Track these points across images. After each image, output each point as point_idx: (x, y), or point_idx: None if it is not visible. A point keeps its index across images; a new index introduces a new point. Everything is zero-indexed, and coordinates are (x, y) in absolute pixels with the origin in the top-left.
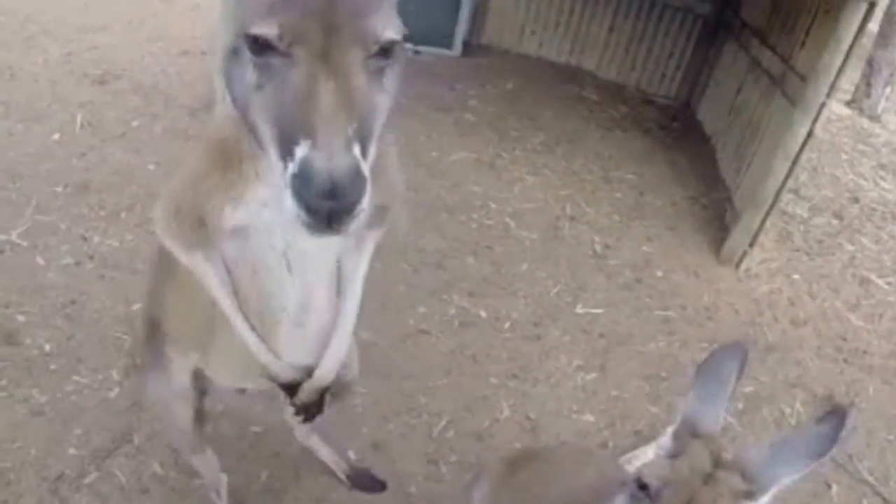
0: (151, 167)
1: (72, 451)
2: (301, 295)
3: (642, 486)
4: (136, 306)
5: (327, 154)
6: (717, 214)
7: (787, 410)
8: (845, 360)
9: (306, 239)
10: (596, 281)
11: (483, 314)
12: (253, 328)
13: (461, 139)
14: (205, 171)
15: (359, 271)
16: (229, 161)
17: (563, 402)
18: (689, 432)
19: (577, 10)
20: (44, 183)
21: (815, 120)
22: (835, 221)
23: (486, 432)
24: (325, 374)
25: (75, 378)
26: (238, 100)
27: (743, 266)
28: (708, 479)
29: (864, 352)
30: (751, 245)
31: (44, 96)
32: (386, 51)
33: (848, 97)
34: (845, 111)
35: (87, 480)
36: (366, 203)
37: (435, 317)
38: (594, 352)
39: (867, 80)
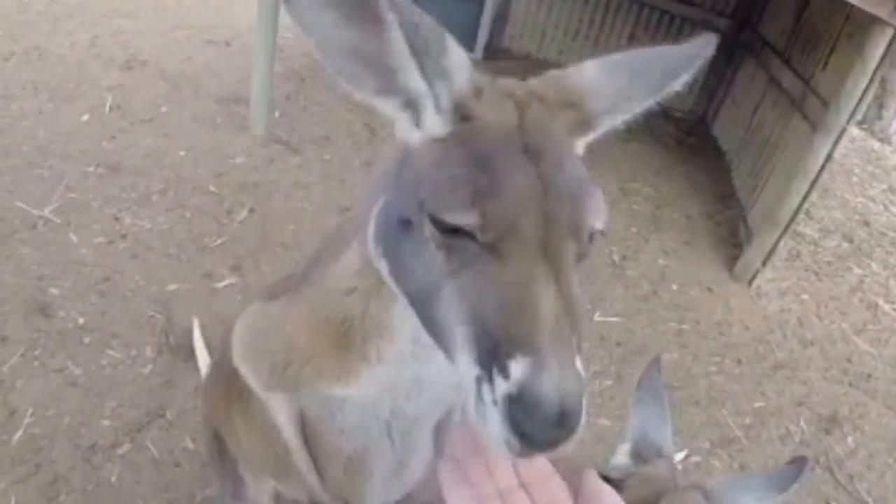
0: (182, 153)
1: (105, 422)
2: (402, 456)
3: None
4: (170, 286)
5: (555, 377)
6: (731, 231)
7: (793, 428)
8: (850, 383)
9: (417, 407)
10: (614, 291)
11: None
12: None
13: None
14: (311, 348)
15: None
16: (349, 343)
17: None
18: (651, 451)
19: (597, 19)
20: (75, 162)
21: (836, 144)
22: (845, 244)
23: None
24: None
25: (109, 353)
26: (407, 281)
27: (755, 284)
28: (668, 490)
29: (869, 376)
30: (763, 264)
31: (72, 78)
32: (593, 238)
33: (859, 117)
34: (856, 132)
35: (119, 451)
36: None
37: None
38: (611, 359)
39: (879, 102)
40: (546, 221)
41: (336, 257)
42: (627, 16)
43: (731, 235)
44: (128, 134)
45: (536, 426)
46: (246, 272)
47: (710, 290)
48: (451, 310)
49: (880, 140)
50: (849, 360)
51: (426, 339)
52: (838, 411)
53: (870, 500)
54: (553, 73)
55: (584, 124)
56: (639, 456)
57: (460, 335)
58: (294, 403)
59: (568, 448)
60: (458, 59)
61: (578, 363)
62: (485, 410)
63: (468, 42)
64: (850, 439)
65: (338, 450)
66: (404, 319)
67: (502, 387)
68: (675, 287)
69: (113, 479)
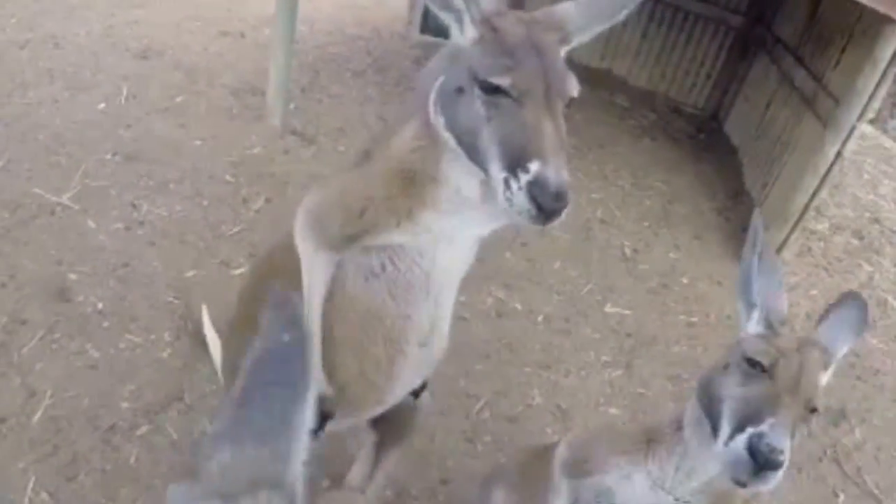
0: (198, 143)
1: (124, 404)
2: (433, 315)
3: (752, 364)
4: (188, 273)
5: (557, 171)
6: (741, 227)
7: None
8: (858, 377)
9: (450, 260)
10: (625, 283)
11: (518, 306)
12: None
13: None
14: (386, 191)
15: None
16: (410, 187)
17: (591, 394)
18: (775, 320)
19: None
20: (92, 150)
21: (846, 141)
22: (854, 241)
23: (518, 416)
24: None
25: (128, 337)
26: (459, 126)
27: None
28: (801, 350)
29: (878, 371)
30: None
31: (88, 66)
32: (569, 103)
33: (872, 115)
34: (869, 130)
35: (138, 432)
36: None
37: (475, 306)
38: (621, 350)
39: (893, 101)
40: (547, 88)
41: (398, 131)
42: (642, 11)
43: (741, 231)
44: (144, 123)
45: (548, 199)
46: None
47: (719, 283)
48: (489, 139)
49: (893, 138)
50: (857, 355)
51: (466, 189)
52: (846, 405)
53: (877, 491)
54: (545, 8)
55: (565, 39)
56: (768, 323)
57: (494, 154)
58: (330, 271)
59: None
60: None
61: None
62: (511, 196)
63: None
64: (857, 432)
65: (380, 319)
66: (451, 167)
67: (524, 178)
68: (685, 280)
69: (132, 460)
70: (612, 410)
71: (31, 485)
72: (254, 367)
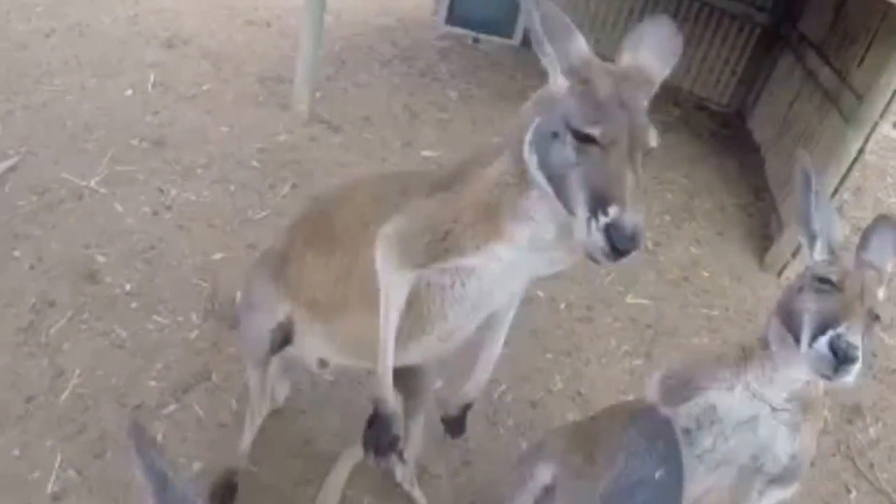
0: (224, 129)
1: (152, 383)
2: (465, 325)
3: (823, 281)
4: (215, 256)
5: (633, 216)
6: (762, 223)
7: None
8: (874, 376)
9: (505, 289)
10: (646, 275)
11: (541, 294)
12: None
13: None
14: (470, 219)
15: (508, 322)
16: (492, 218)
17: (611, 382)
18: (835, 246)
19: (635, 9)
20: (119, 136)
21: (868, 139)
22: None
23: (540, 401)
24: (470, 392)
25: (155, 318)
26: (551, 167)
27: (784, 275)
28: (860, 268)
29: (894, 370)
30: (794, 256)
31: (114, 54)
32: (649, 153)
33: (894, 117)
34: (893, 133)
35: (165, 411)
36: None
37: None
38: (642, 340)
39: None
40: (631, 140)
41: (486, 165)
42: (668, 6)
43: (762, 227)
44: (171, 110)
45: (623, 240)
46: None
47: (739, 279)
48: (577, 182)
49: None
50: (874, 355)
51: (543, 229)
52: (862, 403)
53: (889, 489)
54: (635, 65)
55: (649, 93)
56: (830, 249)
57: (580, 196)
58: (408, 288)
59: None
60: (575, 43)
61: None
62: (590, 234)
63: (507, 30)
64: (872, 430)
65: (421, 302)
66: (534, 206)
67: (603, 220)
68: (705, 274)
69: (159, 437)
70: (633, 398)
71: (58, 462)
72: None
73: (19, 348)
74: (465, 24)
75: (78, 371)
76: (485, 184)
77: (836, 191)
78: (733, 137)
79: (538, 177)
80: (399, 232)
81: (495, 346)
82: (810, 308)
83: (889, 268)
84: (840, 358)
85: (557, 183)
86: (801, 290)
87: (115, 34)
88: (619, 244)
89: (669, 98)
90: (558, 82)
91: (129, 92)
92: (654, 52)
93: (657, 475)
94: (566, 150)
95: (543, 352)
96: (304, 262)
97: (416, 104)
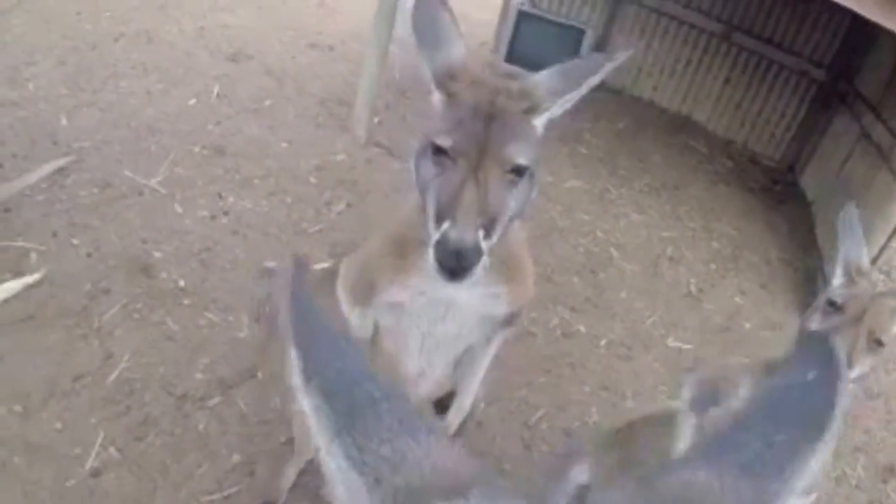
0: (284, 145)
1: (198, 375)
2: (423, 369)
3: (832, 304)
4: (269, 264)
5: (457, 234)
6: (808, 277)
7: (849, 471)
8: None
9: (446, 329)
10: (689, 319)
11: (582, 329)
12: None
13: (574, 169)
14: (383, 252)
15: (485, 360)
16: (404, 250)
17: None
18: (854, 271)
19: (693, 59)
20: (181, 141)
21: None
22: None
23: (575, 431)
24: (451, 424)
25: (206, 315)
26: (420, 182)
27: None
28: (875, 296)
29: None
30: None
31: (180, 64)
32: (518, 171)
33: None
34: None
35: (210, 402)
36: (479, 268)
37: (542, 324)
38: (679, 382)
39: None
40: (481, 153)
41: (403, 204)
42: (725, 58)
43: (807, 282)
44: (233, 121)
45: (444, 258)
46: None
47: (781, 331)
48: (430, 196)
49: None
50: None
51: None
52: (895, 463)
53: None
54: (520, 79)
55: (533, 109)
56: (847, 273)
57: (431, 210)
58: (367, 321)
59: (467, 279)
60: (447, 51)
61: (480, 233)
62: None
63: None
64: None
65: (382, 349)
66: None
67: (435, 236)
68: (747, 325)
69: (201, 427)
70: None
71: (100, 440)
72: (766, 395)
73: (71, 329)
74: (526, 62)
75: (127, 356)
76: (397, 217)
77: (882, 249)
78: (784, 193)
79: (414, 195)
80: (344, 272)
81: (469, 384)
82: (815, 328)
83: None
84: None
85: (423, 200)
86: (816, 310)
87: (181, 45)
88: (443, 261)
89: (723, 150)
90: (433, 97)
91: (193, 101)
92: (561, 71)
93: (809, 377)
94: (428, 164)
95: (581, 384)
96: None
97: None
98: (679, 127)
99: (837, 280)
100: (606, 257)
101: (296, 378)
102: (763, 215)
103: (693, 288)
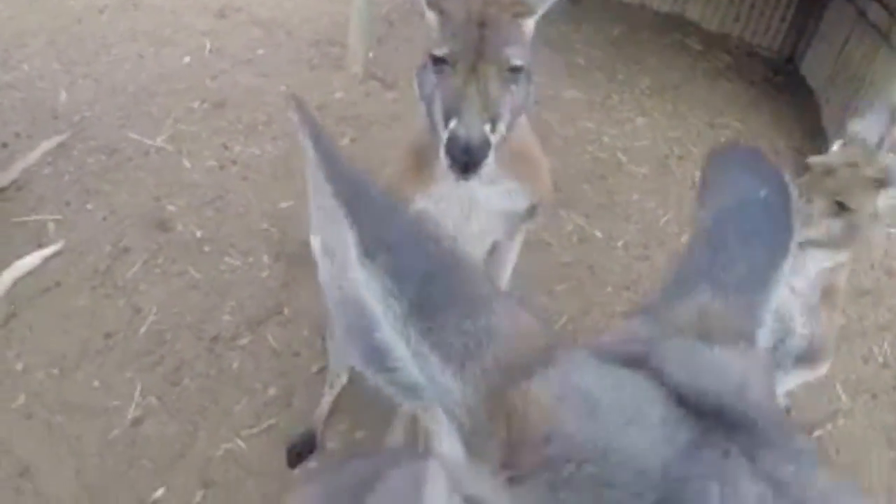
0: (282, 88)
1: (226, 317)
2: None
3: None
4: (282, 205)
5: (468, 128)
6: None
7: (876, 350)
8: None
9: (471, 229)
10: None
11: (598, 234)
12: None
13: (571, 79)
14: (403, 170)
15: (510, 256)
16: (420, 164)
17: None
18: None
19: None
20: (180, 99)
21: None
22: None
23: (603, 330)
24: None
25: (227, 260)
26: (424, 97)
27: None
28: (851, 165)
29: None
30: None
31: (168, 25)
32: (514, 70)
33: None
34: None
35: (240, 342)
36: (490, 160)
37: (556, 231)
38: None
39: None
40: (478, 57)
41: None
42: None
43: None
44: (228, 74)
45: (458, 152)
46: None
47: None
48: (434, 104)
49: None
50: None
51: None
52: None
53: None
54: None
55: (523, 12)
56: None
57: (438, 116)
58: None
59: (478, 173)
60: None
61: (486, 126)
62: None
63: None
64: None
65: None
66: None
67: (444, 135)
68: None
69: (234, 365)
70: None
71: (138, 391)
72: (726, 216)
73: (97, 290)
74: None
75: (154, 309)
76: (414, 132)
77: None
78: (786, 83)
79: (422, 109)
80: None
81: (500, 278)
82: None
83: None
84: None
85: (429, 110)
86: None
87: (167, 6)
88: (455, 156)
89: (719, 46)
90: (426, 17)
91: (187, 59)
92: None
93: (762, 194)
94: (429, 76)
95: (603, 286)
96: None
97: None
98: (672, 27)
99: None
100: (615, 162)
101: (354, 255)
102: (767, 106)
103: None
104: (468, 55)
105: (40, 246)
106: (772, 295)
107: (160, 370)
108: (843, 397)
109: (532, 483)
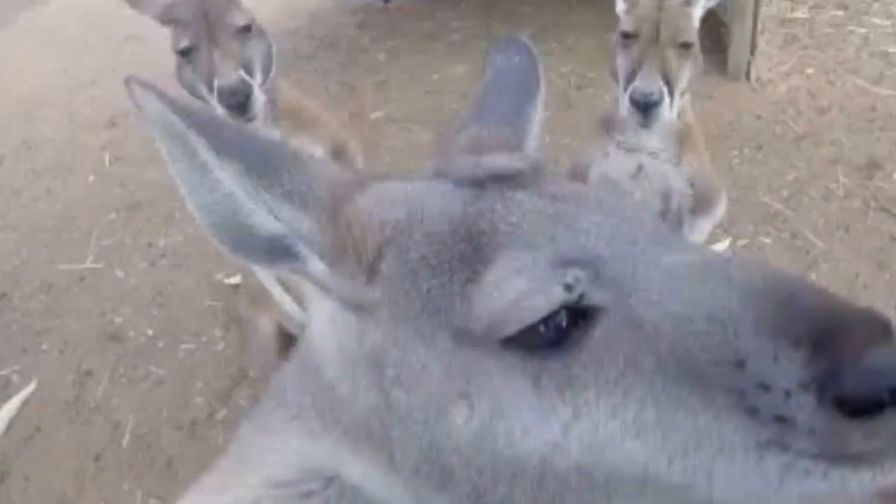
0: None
1: (198, 399)
2: None
3: (625, 35)
4: (217, 276)
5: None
6: (716, 39)
7: (833, 185)
8: (880, 128)
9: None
10: None
11: None
12: None
13: (455, 57)
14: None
15: None
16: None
17: None
18: None
19: None
20: (97, 216)
21: None
22: (839, 13)
23: None
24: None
25: (183, 347)
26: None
27: (753, 76)
28: (661, 7)
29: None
30: (752, 53)
31: (66, 152)
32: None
33: None
34: None
35: (218, 417)
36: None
37: None
38: None
39: None
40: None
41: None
42: None
43: (715, 44)
44: (133, 177)
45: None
46: None
47: (710, 98)
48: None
49: None
50: (873, 109)
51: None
52: (874, 155)
53: None
54: None
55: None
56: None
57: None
58: None
59: None
60: None
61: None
62: None
63: None
64: (895, 175)
65: None
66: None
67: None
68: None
69: (220, 440)
70: None
71: (139, 499)
72: (491, 80)
73: (74, 420)
74: None
75: (131, 417)
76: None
77: None
78: None
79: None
80: None
81: None
82: (620, 63)
83: None
84: (641, 108)
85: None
86: (613, 52)
87: (58, 136)
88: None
89: None
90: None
91: (92, 177)
92: None
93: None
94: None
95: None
96: None
97: (352, 78)
98: None
99: (620, 7)
100: None
101: (211, 160)
102: None
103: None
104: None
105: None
106: (531, 116)
107: (154, 471)
108: (818, 242)
109: (385, 261)
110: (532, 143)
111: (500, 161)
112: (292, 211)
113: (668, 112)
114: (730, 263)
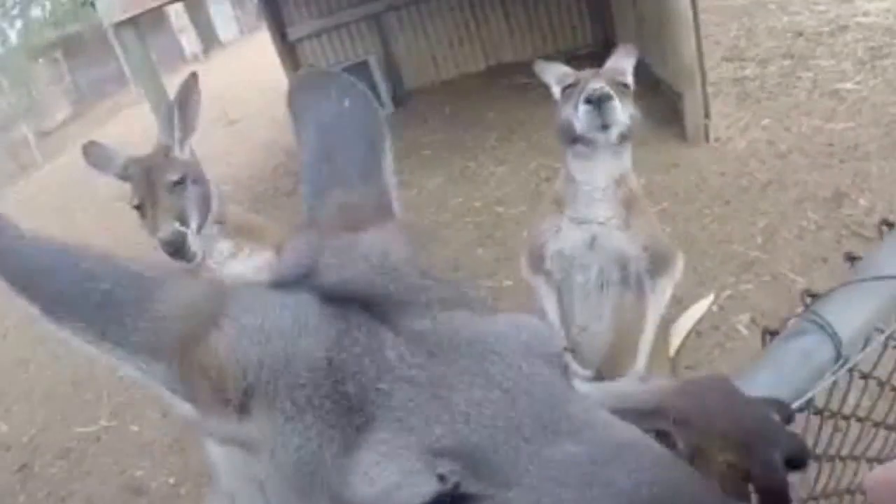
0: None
1: None
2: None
3: (565, 88)
4: None
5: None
6: (673, 108)
7: (804, 223)
8: (840, 161)
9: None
10: None
11: (509, 283)
12: None
13: (427, 170)
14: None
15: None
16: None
17: None
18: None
19: (471, 22)
20: (105, 375)
21: None
22: (786, 62)
23: None
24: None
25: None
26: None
27: (712, 137)
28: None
29: (856, 146)
30: (707, 116)
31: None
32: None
33: None
34: None
35: None
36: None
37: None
38: None
39: None
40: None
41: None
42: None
43: (673, 113)
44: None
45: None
46: None
47: (675, 165)
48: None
49: None
50: (830, 144)
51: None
52: (839, 186)
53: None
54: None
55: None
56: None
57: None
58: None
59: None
60: None
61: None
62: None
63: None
64: (862, 201)
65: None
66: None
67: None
68: (643, 181)
69: None
70: None
71: None
72: (322, 131)
73: None
74: None
75: None
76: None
77: (696, 28)
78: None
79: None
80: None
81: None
82: (565, 107)
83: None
84: (597, 104)
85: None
86: (559, 106)
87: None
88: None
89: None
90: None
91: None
92: None
93: (346, 103)
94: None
95: None
96: None
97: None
98: (494, 78)
99: (556, 92)
100: (495, 217)
101: (46, 323)
102: None
103: None
104: (143, 190)
105: None
106: (387, 169)
107: None
108: (799, 279)
109: (255, 401)
110: (396, 204)
111: (369, 277)
112: (144, 362)
113: (622, 114)
114: (620, 462)
